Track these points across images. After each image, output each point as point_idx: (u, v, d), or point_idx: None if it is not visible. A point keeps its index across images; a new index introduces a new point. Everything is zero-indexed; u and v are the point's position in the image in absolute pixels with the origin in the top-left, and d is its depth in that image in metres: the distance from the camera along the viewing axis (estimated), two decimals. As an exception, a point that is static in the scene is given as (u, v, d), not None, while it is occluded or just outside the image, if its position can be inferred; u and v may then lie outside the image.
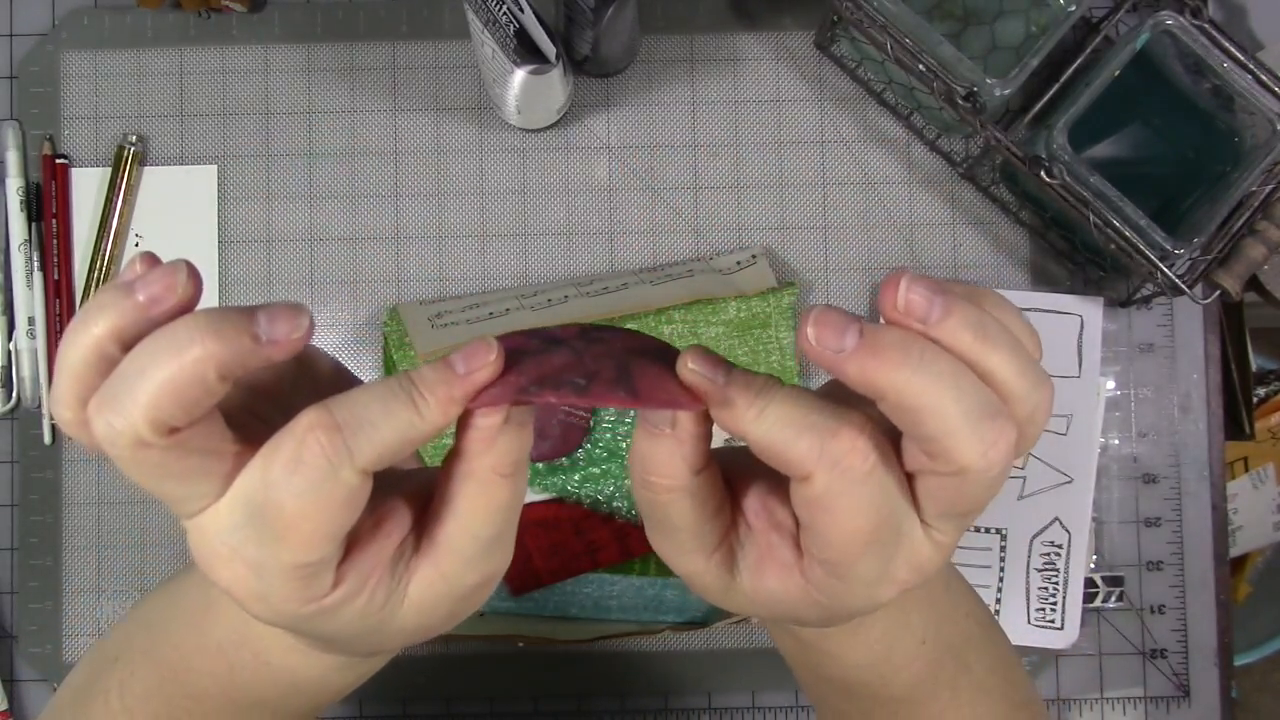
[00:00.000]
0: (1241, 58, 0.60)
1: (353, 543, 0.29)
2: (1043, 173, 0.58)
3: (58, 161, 0.68)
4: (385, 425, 0.27)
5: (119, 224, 0.68)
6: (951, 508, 0.28)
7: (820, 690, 0.42)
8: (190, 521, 0.29)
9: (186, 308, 0.27)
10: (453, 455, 0.30)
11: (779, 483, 0.32)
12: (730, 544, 0.32)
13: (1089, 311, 0.67)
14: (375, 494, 0.29)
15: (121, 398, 0.26)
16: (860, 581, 0.29)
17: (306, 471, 0.26)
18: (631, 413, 0.63)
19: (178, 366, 0.26)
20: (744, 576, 0.32)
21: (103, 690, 0.39)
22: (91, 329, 0.27)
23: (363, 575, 0.29)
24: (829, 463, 0.27)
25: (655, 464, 0.30)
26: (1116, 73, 0.60)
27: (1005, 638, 0.43)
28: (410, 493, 0.31)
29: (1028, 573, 0.67)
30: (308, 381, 0.34)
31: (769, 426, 0.27)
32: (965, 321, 0.27)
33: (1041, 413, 0.28)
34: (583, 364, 0.29)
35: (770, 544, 0.31)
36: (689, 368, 0.28)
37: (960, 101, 0.59)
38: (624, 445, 0.64)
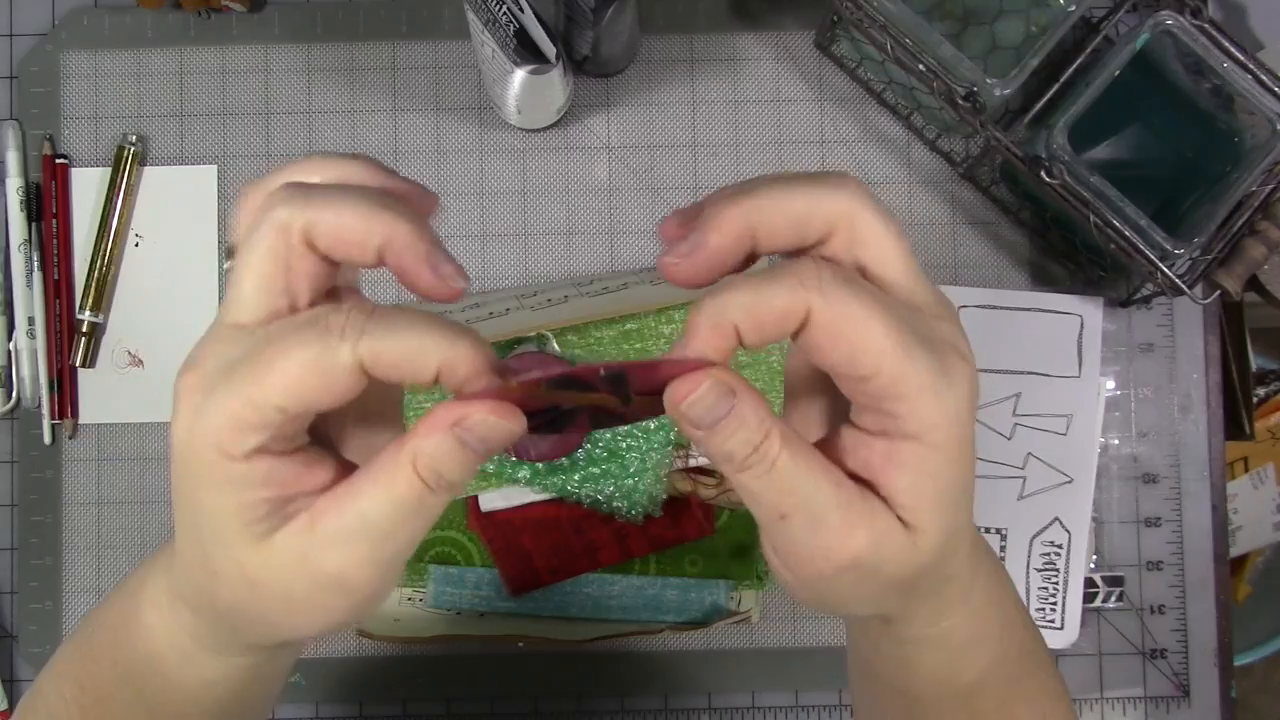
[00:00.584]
0: (1241, 58, 0.59)
1: (286, 463, 0.29)
2: (1043, 173, 0.58)
3: (58, 161, 0.68)
4: (404, 336, 0.28)
5: (119, 224, 0.68)
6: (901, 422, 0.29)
7: (876, 688, 0.41)
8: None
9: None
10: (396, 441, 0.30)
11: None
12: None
13: (1089, 311, 0.67)
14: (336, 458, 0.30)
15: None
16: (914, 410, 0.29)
17: (315, 334, 0.28)
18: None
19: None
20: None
21: (52, 661, 0.40)
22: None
23: (271, 480, 0.29)
24: (814, 286, 0.28)
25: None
26: (1116, 73, 0.60)
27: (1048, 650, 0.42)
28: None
29: (1028, 572, 0.67)
30: None
31: (751, 297, 0.28)
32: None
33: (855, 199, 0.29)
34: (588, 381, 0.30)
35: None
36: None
37: (960, 101, 0.59)
38: (624, 445, 0.64)
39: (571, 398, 0.30)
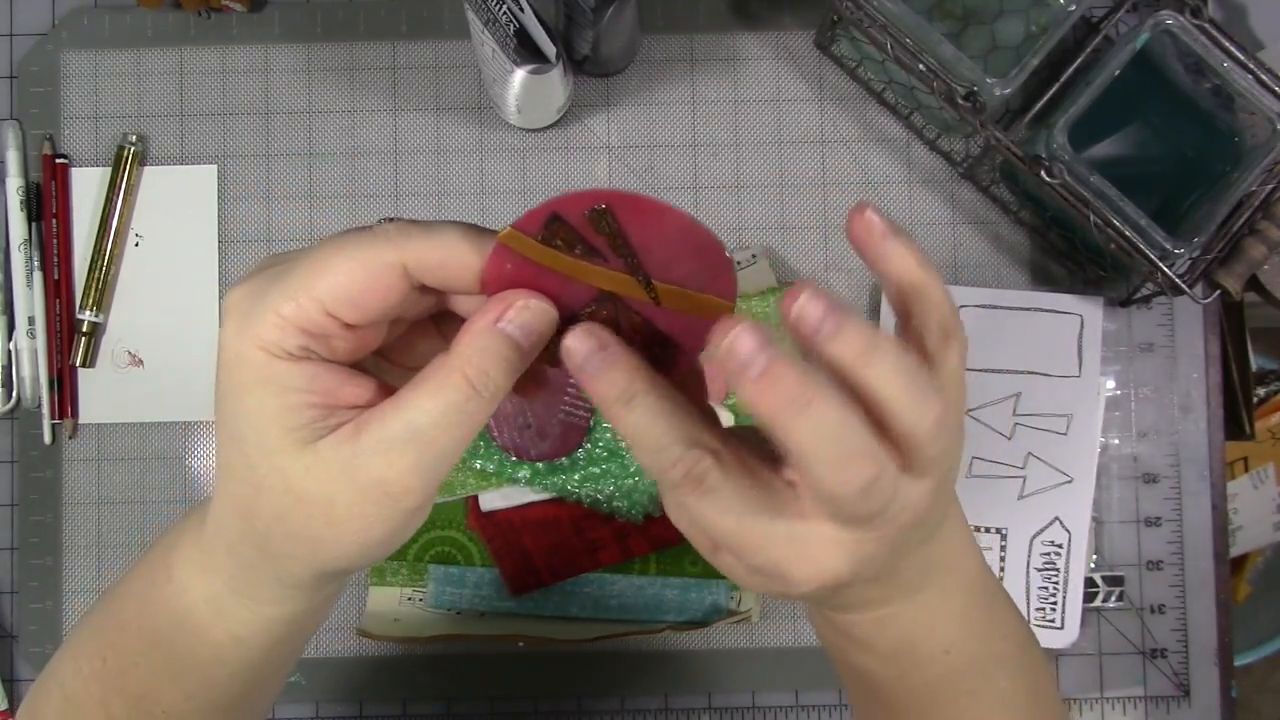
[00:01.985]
0: (1241, 57, 0.59)
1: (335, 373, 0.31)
2: (1043, 172, 0.58)
3: (58, 161, 0.68)
4: (444, 237, 0.30)
5: (119, 224, 0.68)
6: (827, 511, 0.31)
7: (851, 683, 0.43)
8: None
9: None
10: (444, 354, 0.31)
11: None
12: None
13: (1089, 311, 0.67)
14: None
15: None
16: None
17: (364, 237, 0.30)
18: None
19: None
20: None
21: (68, 637, 0.41)
22: None
23: (316, 385, 0.30)
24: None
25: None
26: (1116, 72, 0.60)
27: (1045, 664, 0.43)
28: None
29: (1028, 572, 0.67)
30: None
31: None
32: (851, 341, 0.29)
33: (930, 422, 0.30)
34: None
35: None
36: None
37: (960, 101, 0.59)
38: (624, 445, 0.64)
39: (596, 274, 0.31)
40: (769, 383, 0.28)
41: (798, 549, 0.31)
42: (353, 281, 0.30)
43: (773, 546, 0.31)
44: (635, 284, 0.32)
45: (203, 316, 0.68)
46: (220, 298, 0.69)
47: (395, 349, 0.35)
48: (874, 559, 0.32)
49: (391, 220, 0.31)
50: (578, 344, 0.31)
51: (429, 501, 0.32)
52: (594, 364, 0.31)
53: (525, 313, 0.31)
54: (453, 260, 0.30)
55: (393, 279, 0.30)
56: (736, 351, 0.28)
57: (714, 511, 0.31)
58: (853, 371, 0.29)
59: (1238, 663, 1.06)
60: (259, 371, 0.30)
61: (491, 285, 0.31)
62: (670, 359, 0.33)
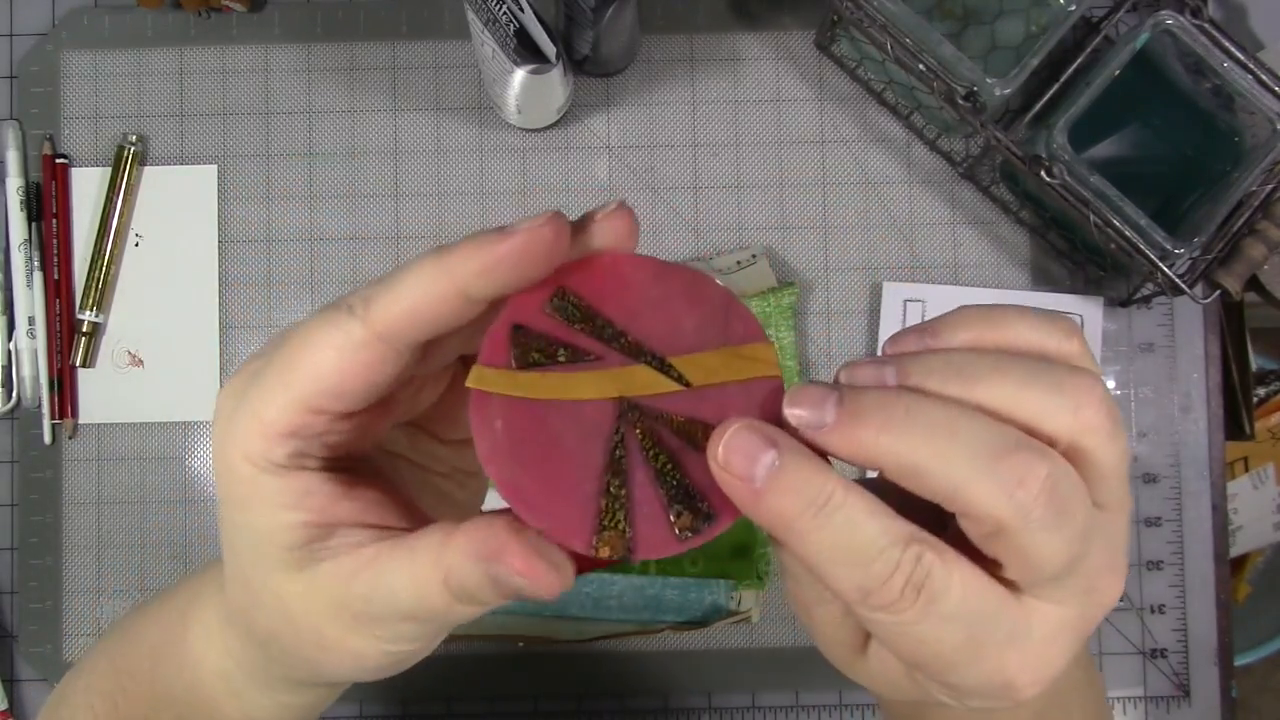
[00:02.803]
0: (1241, 58, 0.59)
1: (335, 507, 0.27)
2: (1043, 172, 0.58)
3: (58, 161, 0.68)
4: (404, 285, 0.25)
5: (119, 224, 0.68)
6: (1032, 571, 0.24)
7: None
8: None
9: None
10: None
11: None
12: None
13: (1089, 311, 0.67)
14: (390, 503, 0.28)
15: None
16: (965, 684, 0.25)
17: (329, 314, 0.26)
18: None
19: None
20: (872, 653, 0.28)
21: (81, 669, 0.39)
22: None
23: (308, 501, 0.27)
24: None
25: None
26: (1116, 72, 0.60)
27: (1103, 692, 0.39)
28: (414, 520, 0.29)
29: (1028, 573, 0.67)
30: None
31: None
32: (933, 372, 0.24)
33: (1088, 409, 0.24)
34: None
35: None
36: (793, 413, 0.24)
37: (960, 101, 0.59)
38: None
39: (597, 381, 0.25)
40: (853, 415, 0.23)
41: (1020, 645, 0.25)
42: (328, 371, 0.26)
43: (993, 652, 0.24)
44: (649, 372, 0.25)
45: (203, 316, 0.68)
46: (220, 298, 0.69)
47: (436, 418, 0.32)
48: (1088, 630, 0.26)
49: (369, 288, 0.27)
50: (734, 457, 0.23)
51: (430, 646, 0.29)
52: (762, 476, 0.23)
53: (518, 583, 0.24)
54: (424, 307, 0.25)
55: (370, 356, 0.26)
56: (800, 413, 0.23)
57: (939, 626, 0.24)
58: (963, 398, 0.24)
59: (1238, 663, 1.06)
60: (246, 488, 0.27)
61: (486, 459, 0.25)
62: None
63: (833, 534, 0.23)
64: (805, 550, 0.24)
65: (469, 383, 0.25)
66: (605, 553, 0.24)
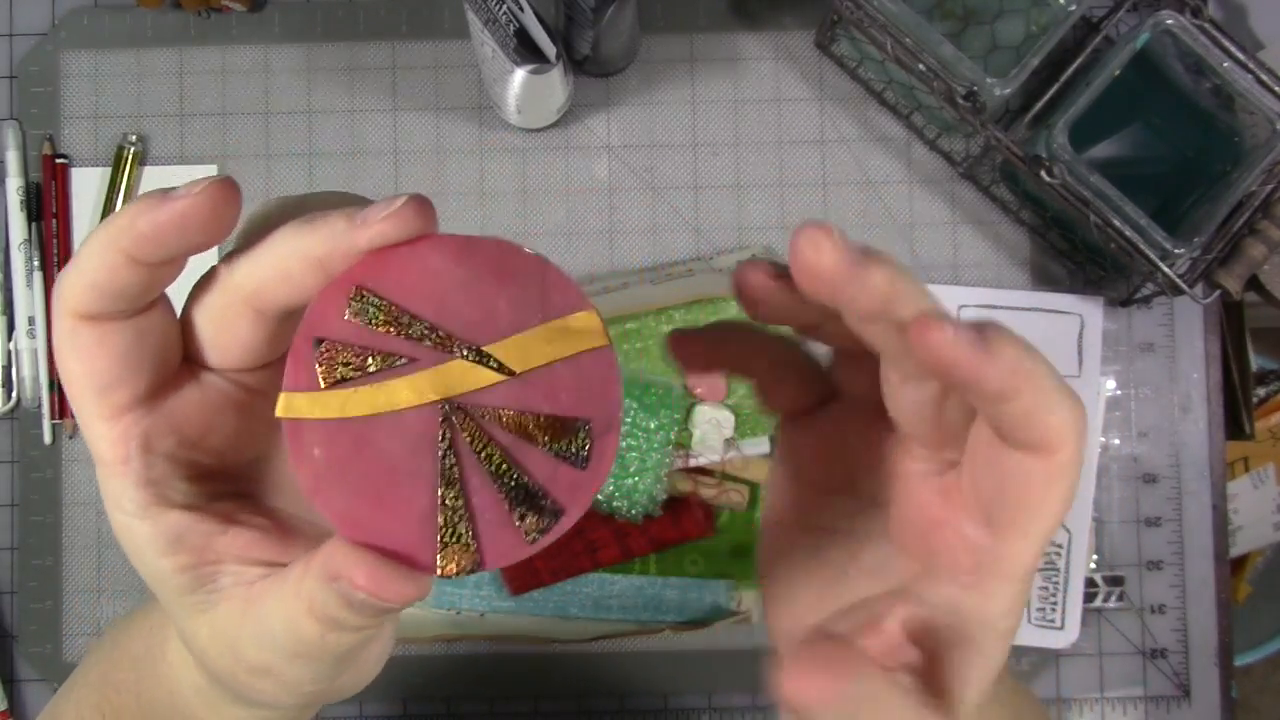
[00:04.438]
0: (1241, 57, 0.59)
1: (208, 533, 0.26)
2: (1043, 172, 0.58)
3: (58, 161, 0.68)
4: (80, 258, 0.24)
5: (119, 224, 0.68)
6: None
7: None
8: None
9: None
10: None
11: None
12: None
13: (1089, 311, 0.67)
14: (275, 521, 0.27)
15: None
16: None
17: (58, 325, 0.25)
18: (631, 413, 0.63)
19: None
20: None
21: (74, 680, 0.39)
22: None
23: (184, 543, 0.26)
24: (1079, 434, 0.23)
25: None
26: (1116, 72, 0.60)
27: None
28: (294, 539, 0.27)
29: (1028, 573, 0.67)
30: None
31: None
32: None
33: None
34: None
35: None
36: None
37: (960, 101, 0.59)
38: (624, 445, 0.64)
39: (412, 386, 0.23)
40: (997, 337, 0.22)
41: None
42: (101, 368, 0.25)
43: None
44: (467, 366, 0.23)
45: (203, 316, 0.68)
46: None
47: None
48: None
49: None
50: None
51: (343, 682, 0.28)
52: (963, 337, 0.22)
53: (361, 601, 0.23)
54: (102, 277, 0.24)
55: (108, 336, 0.24)
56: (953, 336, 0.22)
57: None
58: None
59: (1238, 663, 1.06)
60: (125, 537, 0.26)
61: (310, 491, 0.23)
62: (580, 444, 0.23)
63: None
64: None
65: (278, 413, 0.23)
66: (452, 569, 0.23)
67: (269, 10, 0.70)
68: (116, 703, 0.35)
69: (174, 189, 0.23)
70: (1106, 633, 0.68)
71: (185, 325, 0.26)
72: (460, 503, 0.23)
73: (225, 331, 0.25)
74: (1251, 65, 0.59)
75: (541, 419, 0.23)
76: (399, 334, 0.23)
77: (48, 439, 0.67)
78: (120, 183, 0.68)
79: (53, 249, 0.68)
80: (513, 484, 0.23)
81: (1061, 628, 0.66)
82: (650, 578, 0.65)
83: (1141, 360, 0.68)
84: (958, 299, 0.68)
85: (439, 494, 0.22)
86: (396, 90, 0.69)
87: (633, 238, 0.69)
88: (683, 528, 0.65)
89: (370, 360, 0.23)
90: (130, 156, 0.68)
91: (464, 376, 0.23)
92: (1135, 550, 0.68)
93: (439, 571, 0.23)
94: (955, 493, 0.26)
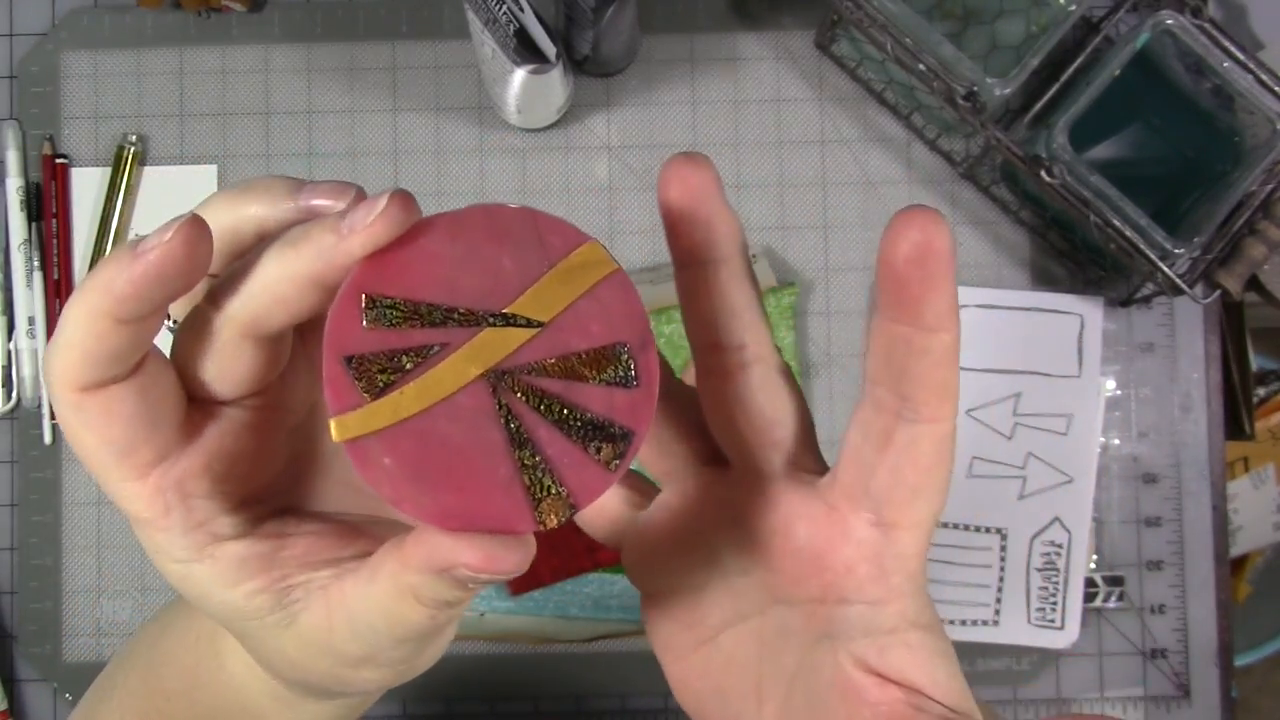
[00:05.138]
0: (1242, 57, 0.59)
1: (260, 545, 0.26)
2: (1043, 172, 0.58)
3: (58, 161, 0.68)
4: (64, 329, 0.23)
5: (119, 224, 0.68)
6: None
7: None
8: None
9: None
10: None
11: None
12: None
13: (1089, 311, 0.67)
14: (318, 522, 0.27)
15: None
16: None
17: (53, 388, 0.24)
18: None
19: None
20: None
21: (111, 685, 0.38)
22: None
23: (247, 569, 0.26)
24: (956, 409, 0.25)
25: None
26: (1117, 72, 0.60)
27: None
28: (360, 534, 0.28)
29: (1028, 573, 0.67)
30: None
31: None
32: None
33: None
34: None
35: None
36: None
37: (960, 101, 0.59)
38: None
39: (454, 370, 0.23)
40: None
41: None
42: (117, 435, 0.24)
43: None
44: (496, 333, 0.23)
45: (203, 316, 0.68)
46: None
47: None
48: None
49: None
50: None
51: (442, 639, 0.29)
52: None
53: (497, 560, 0.23)
54: (89, 343, 0.23)
55: (114, 404, 0.24)
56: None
57: None
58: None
59: (1238, 663, 1.06)
60: (188, 586, 0.26)
61: (394, 501, 0.23)
62: (625, 366, 0.24)
63: None
64: None
65: (335, 439, 0.23)
66: (553, 521, 0.23)
67: (269, 10, 0.70)
68: (167, 710, 0.35)
69: (143, 240, 0.23)
70: (1106, 633, 0.68)
71: (183, 367, 0.25)
72: (537, 458, 0.23)
73: (227, 366, 0.25)
74: (1251, 65, 0.59)
75: (583, 355, 0.23)
76: (422, 325, 0.23)
77: (48, 439, 0.67)
78: (120, 183, 0.68)
79: (53, 249, 0.68)
80: (579, 424, 0.23)
81: (1061, 628, 0.66)
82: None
83: (1141, 360, 0.68)
84: (958, 299, 0.68)
85: (515, 457, 0.23)
86: (396, 90, 0.69)
87: (633, 238, 0.69)
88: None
89: (404, 359, 0.23)
90: (130, 156, 0.68)
91: (498, 343, 0.23)
92: (1135, 550, 0.68)
93: (542, 526, 0.23)
94: (839, 505, 0.26)
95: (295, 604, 0.26)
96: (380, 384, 0.23)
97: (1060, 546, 0.67)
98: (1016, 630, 0.67)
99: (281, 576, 0.26)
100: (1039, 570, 0.67)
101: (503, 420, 0.23)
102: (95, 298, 0.23)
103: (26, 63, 0.69)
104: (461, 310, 0.23)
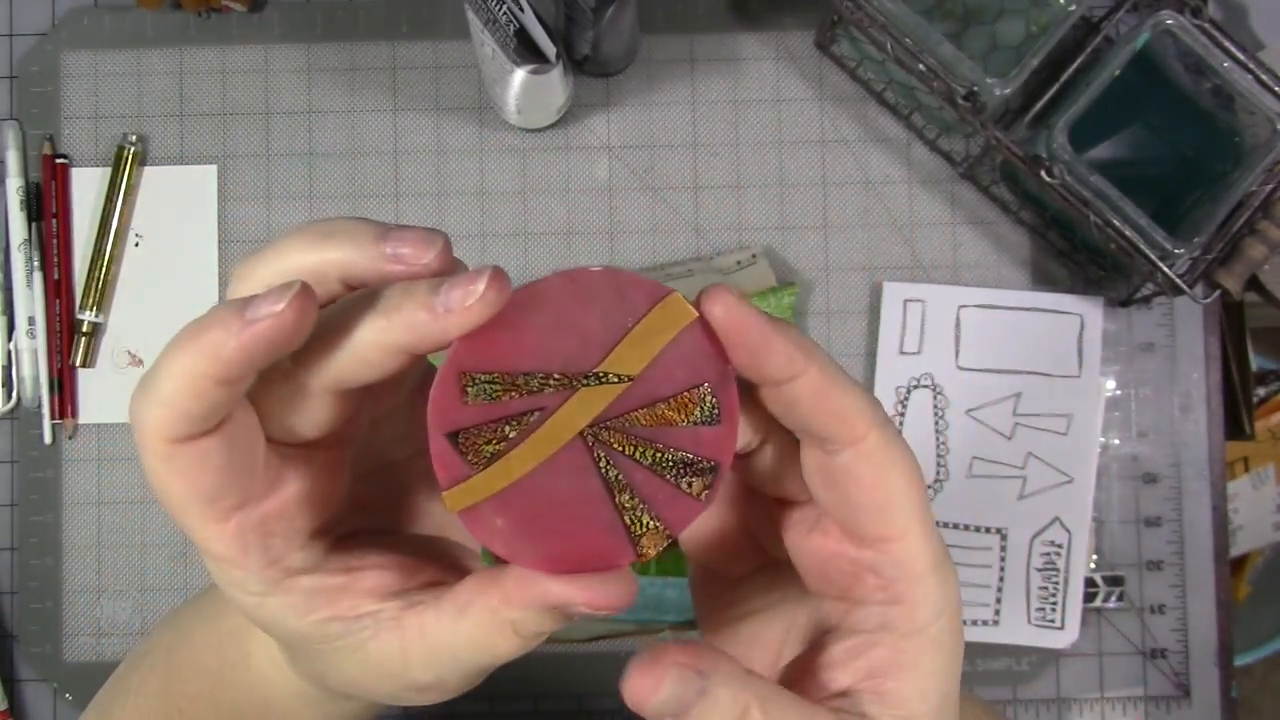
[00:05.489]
0: (1242, 57, 0.59)
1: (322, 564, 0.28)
2: (1043, 172, 0.58)
3: (58, 161, 0.68)
4: (163, 377, 0.24)
5: (119, 224, 0.68)
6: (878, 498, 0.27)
7: None
8: None
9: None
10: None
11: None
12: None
13: (1089, 311, 0.67)
14: (392, 546, 0.28)
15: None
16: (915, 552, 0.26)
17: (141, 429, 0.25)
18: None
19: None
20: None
21: (126, 688, 0.39)
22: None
23: (318, 601, 0.27)
24: (880, 421, 0.25)
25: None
26: (1116, 72, 0.60)
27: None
28: (433, 556, 0.29)
29: (1028, 573, 0.67)
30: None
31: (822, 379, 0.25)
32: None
33: None
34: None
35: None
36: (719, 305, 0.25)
37: (960, 101, 0.59)
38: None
39: (556, 431, 0.25)
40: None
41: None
42: (203, 487, 0.25)
43: None
44: (591, 391, 0.25)
45: (203, 316, 0.68)
46: (220, 298, 0.69)
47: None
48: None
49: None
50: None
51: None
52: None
53: (601, 597, 0.25)
54: (188, 398, 0.24)
55: (198, 455, 0.25)
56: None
57: None
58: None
59: (1238, 663, 1.05)
60: (261, 614, 0.27)
61: (511, 557, 0.26)
62: (708, 406, 0.25)
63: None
64: None
65: (450, 509, 0.25)
66: (653, 551, 0.25)
67: (269, 10, 0.70)
68: (189, 711, 0.36)
69: (251, 303, 0.23)
70: (1106, 633, 0.68)
71: (265, 414, 0.26)
72: (635, 500, 0.25)
73: (309, 416, 0.26)
74: (1251, 65, 0.59)
75: (670, 401, 0.25)
76: (521, 394, 0.25)
77: (48, 439, 0.67)
78: (120, 183, 0.68)
79: (53, 249, 0.68)
80: (670, 464, 0.25)
81: (1061, 628, 0.66)
82: (650, 578, 0.65)
83: (1141, 360, 0.68)
84: (958, 299, 0.68)
85: (615, 502, 0.25)
86: (396, 90, 0.69)
87: (633, 238, 0.69)
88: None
89: (508, 428, 0.25)
90: (130, 156, 0.68)
91: (592, 400, 0.25)
92: (1135, 550, 0.68)
93: (643, 558, 0.26)
94: (830, 529, 0.27)
95: (364, 631, 0.27)
96: (487, 454, 0.25)
97: (1060, 546, 0.67)
98: (1016, 630, 0.67)
99: (351, 607, 0.27)
100: (1039, 570, 0.67)
101: (601, 469, 0.25)
102: (199, 360, 0.23)
103: (26, 63, 0.69)
104: (556, 375, 0.25)
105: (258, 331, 0.23)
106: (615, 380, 0.25)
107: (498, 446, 0.25)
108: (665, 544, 0.25)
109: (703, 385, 0.25)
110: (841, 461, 0.26)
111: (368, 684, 0.29)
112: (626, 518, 0.25)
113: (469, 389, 0.24)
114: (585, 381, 0.25)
